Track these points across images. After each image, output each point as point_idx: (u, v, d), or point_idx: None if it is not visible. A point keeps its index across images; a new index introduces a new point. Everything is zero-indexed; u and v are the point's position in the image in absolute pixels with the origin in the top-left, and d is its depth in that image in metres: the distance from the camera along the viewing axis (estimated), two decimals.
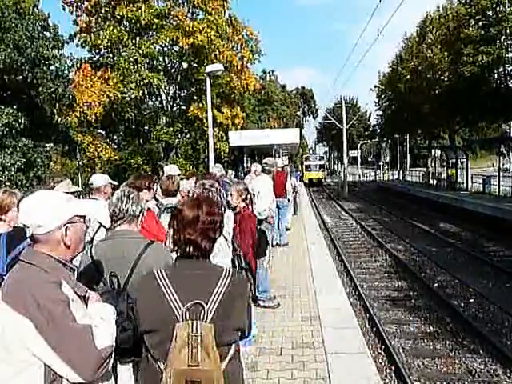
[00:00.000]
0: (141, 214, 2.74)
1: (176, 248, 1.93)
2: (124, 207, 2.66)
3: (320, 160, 50.67)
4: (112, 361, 1.78)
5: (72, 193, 4.73)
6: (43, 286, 1.66)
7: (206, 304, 1.77)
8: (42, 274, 1.70)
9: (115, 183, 4.70)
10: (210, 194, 3.62)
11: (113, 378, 1.94)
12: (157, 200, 4.68)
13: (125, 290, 2.35)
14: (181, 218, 1.91)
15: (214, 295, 1.80)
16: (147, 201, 3.87)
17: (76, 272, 1.98)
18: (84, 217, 1.91)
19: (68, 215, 1.80)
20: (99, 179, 4.76)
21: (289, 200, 11.19)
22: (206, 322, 1.75)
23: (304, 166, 49.07)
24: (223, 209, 3.89)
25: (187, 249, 1.89)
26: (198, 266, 1.90)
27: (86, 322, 1.73)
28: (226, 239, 3.89)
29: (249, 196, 5.00)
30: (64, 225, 1.78)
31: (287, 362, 4.51)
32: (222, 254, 3.58)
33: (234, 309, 1.84)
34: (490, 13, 23.75)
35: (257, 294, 6.24)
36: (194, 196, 3.54)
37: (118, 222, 2.68)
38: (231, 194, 4.62)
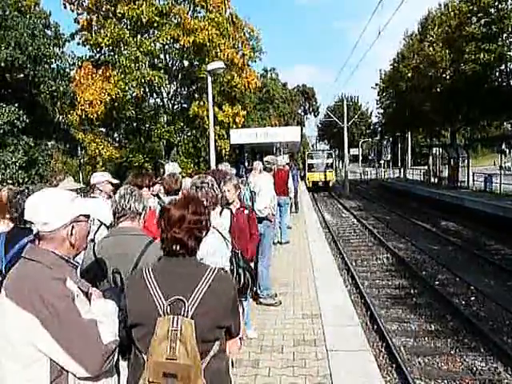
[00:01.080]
0: (143, 212, 2.76)
1: (163, 246, 1.99)
2: (127, 204, 2.68)
3: (327, 157, 38.09)
4: (116, 355, 1.80)
5: (74, 190, 4.76)
6: (47, 282, 1.68)
7: (188, 300, 1.83)
8: (46, 270, 1.72)
9: (115, 181, 4.70)
10: (203, 190, 3.62)
11: (116, 373, 1.96)
12: (159, 198, 4.70)
13: None
14: (167, 217, 1.98)
15: (195, 292, 1.86)
16: (148, 199, 3.89)
17: (79, 268, 2.00)
18: (88, 216, 1.94)
19: (74, 214, 1.83)
20: (99, 177, 4.75)
21: (290, 198, 11.21)
22: (186, 317, 1.81)
23: (307, 166, 37.88)
24: (219, 204, 3.91)
25: (174, 247, 1.95)
26: (183, 263, 1.97)
27: (91, 317, 1.74)
28: (225, 238, 3.88)
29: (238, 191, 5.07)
30: (70, 223, 1.81)
31: (289, 359, 4.53)
32: (219, 254, 3.57)
33: (216, 306, 1.89)
34: (492, 10, 23.64)
35: (258, 291, 6.26)
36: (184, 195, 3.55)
37: (121, 219, 2.70)
38: (228, 190, 4.62)
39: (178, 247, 1.95)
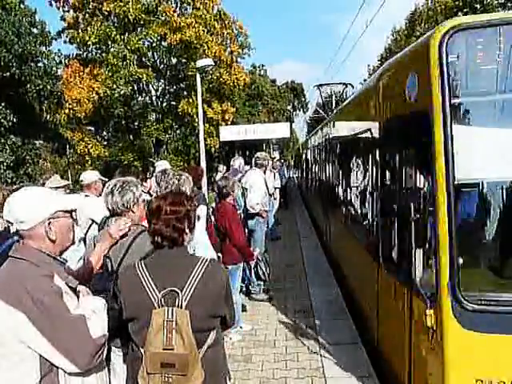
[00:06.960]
0: (136, 200, 2.74)
1: (151, 239, 2.01)
2: (118, 203, 2.67)
3: None
4: (106, 350, 1.81)
5: (63, 187, 4.76)
6: (35, 279, 1.68)
7: (181, 291, 1.85)
8: (33, 268, 1.71)
9: (105, 179, 4.73)
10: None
11: (106, 368, 1.97)
12: (151, 195, 4.70)
13: (117, 272, 2.42)
14: (148, 210, 2.02)
15: (188, 282, 1.87)
16: None
17: (66, 265, 2.00)
18: (69, 211, 1.92)
19: (50, 210, 1.81)
20: (89, 176, 4.80)
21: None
22: (181, 308, 1.82)
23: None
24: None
25: (155, 238, 1.96)
26: (173, 255, 1.98)
27: (79, 313, 1.75)
28: None
29: None
30: (46, 220, 1.80)
31: (281, 353, 4.56)
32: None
33: (209, 296, 1.92)
34: (478, 6, 23.83)
35: (250, 286, 6.29)
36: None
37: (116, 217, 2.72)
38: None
39: (158, 239, 1.95)
